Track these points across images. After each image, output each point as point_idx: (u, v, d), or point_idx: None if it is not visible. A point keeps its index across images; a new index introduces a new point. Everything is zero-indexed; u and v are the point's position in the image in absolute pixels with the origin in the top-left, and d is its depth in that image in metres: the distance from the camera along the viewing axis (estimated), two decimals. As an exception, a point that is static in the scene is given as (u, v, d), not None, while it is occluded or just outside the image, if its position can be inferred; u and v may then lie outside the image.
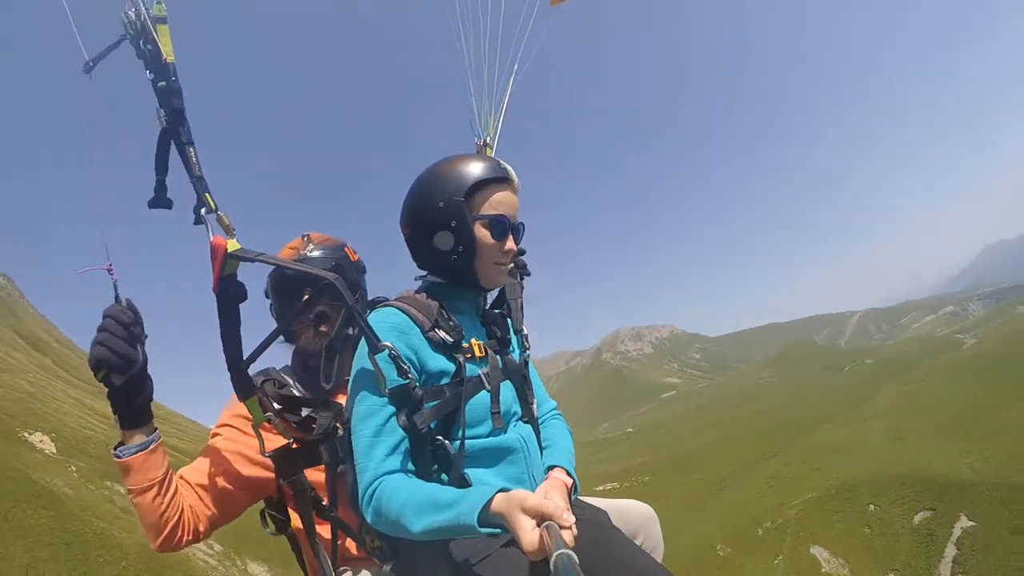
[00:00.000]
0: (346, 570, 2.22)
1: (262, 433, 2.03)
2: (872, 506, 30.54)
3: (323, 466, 2.19)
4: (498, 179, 1.95)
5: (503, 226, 1.95)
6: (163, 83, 1.81)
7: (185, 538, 1.98)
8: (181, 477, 2.05)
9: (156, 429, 1.90)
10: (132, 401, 1.80)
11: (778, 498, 35.64)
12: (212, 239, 1.80)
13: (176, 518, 1.92)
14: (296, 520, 2.22)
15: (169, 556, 14.56)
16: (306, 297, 2.20)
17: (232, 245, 1.80)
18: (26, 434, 22.95)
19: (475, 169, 1.93)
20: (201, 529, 2.05)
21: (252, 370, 2.00)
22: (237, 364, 1.91)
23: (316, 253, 2.47)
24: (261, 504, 2.27)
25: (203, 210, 1.83)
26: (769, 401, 75.23)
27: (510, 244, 1.98)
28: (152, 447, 1.85)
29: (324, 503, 2.17)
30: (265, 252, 1.89)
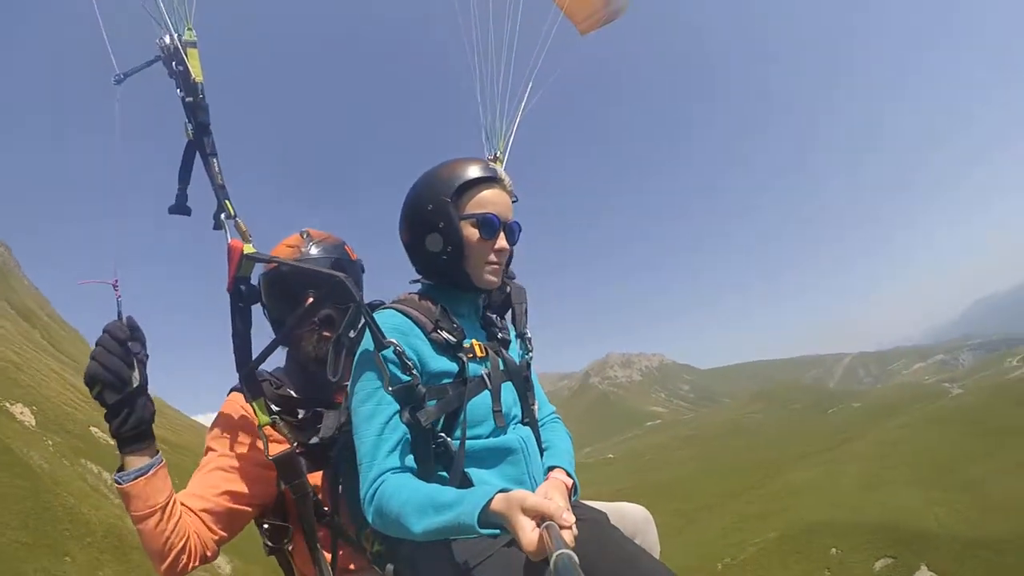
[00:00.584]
0: (346, 572, 2.21)
1: (267, 435, 2.03)
2: (834, 550, 30.37)
3: (323, 471, 2.19)
4: (486, 179, 1.99)
5: (491, 224, 1.96)
6: (191, 99, 1.96)
7: (192, 564, 1.92)
8: (182, 504, 1.96)
9: (158, 452, 1.85)
10: (126, 422, 1.75)
11: (742, 535, 35.47)
12: (230, 242, 1.90)
13: (181, 544, 1.85)
14: (295, 527, 2.19)
15: (134, 536, 14.14)
16: (311, 300, 2.11)
17: (248, 248, 1.90)
18: (8, 403, 22.97)
19: (462, 170, 1.98)
20: (208, 554, 2.00)
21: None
22: (246, 364, 1.96)
23: (315, 251, 2.42)
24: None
25: (223, 215, 1.96)
26: (750, 437, 75.01)
27: (500, 243, 2.00)
28: (152, 471, 1.79)
29: (325, 509, 2.15)
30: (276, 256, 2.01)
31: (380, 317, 1.90)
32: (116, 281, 1.77)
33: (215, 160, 2.00)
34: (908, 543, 28.84)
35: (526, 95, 3.03)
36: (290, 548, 2.22)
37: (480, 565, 1.68)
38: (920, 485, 36.25)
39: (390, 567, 1.96)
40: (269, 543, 2.18)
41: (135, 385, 1.74)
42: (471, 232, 1.96)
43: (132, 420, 1.75)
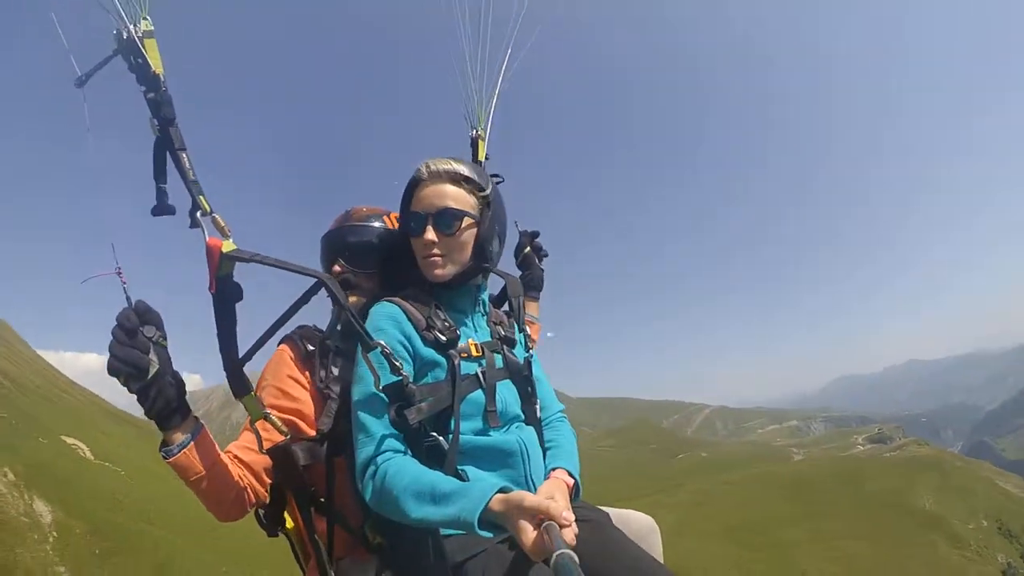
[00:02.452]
0: (343, 558, 2.17)
1: (259, 430, 1.97)
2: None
3: (320, 464, 2.13)
4: (413, 182, 2.11)
5: (411, 222, 2.08)
6: (152, 94, 1.81)
7: (246, 510, 2.03)
8: (235, 456, 2.04)
9: (197, 422, 1.88)
10: (155, 405, 1.75)
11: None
12: (208, 240, 1.77)
13: (232, 496, 1.94)
14: (293, 518, 2.19)
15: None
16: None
17: (228, 246, 1.76)
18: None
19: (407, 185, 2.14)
20: (260, 499, 2.07)
21: (290, 326, 2.04)
22: (233, 362, 1.87)
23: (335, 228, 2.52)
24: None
25: (198, 212, 1.81)
26: (596, 470, 76.99)
27: (426, 235, 2.03)
28: (191, 444, 1.83)
29: (322, 500, 2.12)
30: (259, 252, 1.83)
31: (378, 306, 2.02)
32: (119, 269, 1.74)
33: (184, 154, 1.86)
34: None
35: (503, 68, 2.97)
36: (287, 530, 2.24)
37: (474, 559, 1.67)
38: (726, 540, 38.16)
39: (384, 561, 1.97)
40: (266, 530, 2.21)
41: (154, 370, 1.72)
42: (408, 234, 2.12)
43: (160, 402, 1.75)
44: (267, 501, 2.12)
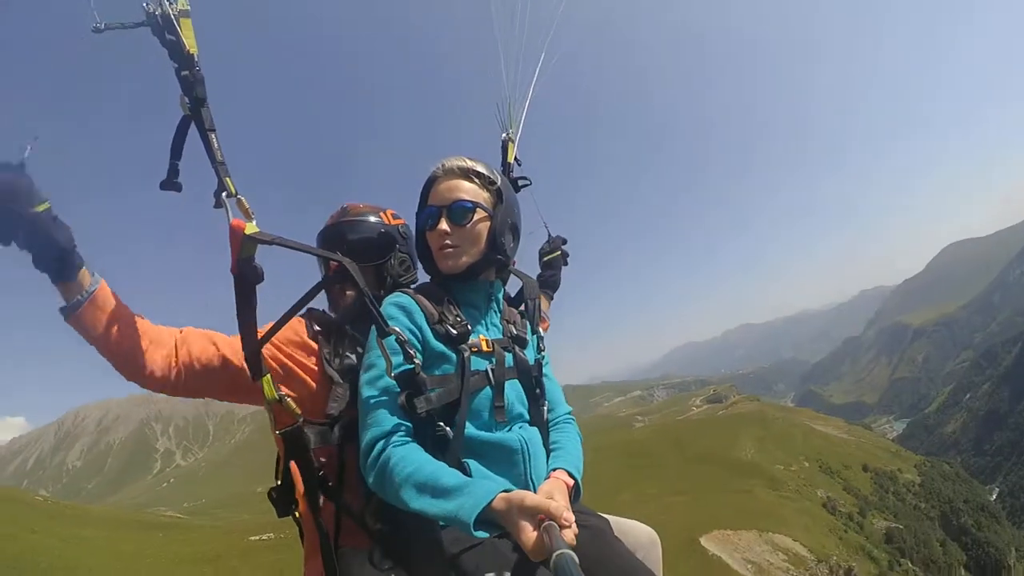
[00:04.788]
0: (346, 546, 2.11)
1: (275, 412, 1.99)
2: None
3: (331, 447, 2.11)
4: (429, 181, 2.17)
5: (430, 215, 2.10)
6: (186, 72, 1.81)
7: (159, 371, 1.93)
8: (198, 332, 2.10)
9: (95, 277, 1.80)
10: (51, 245, 1.64)
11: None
12: (231, 221, 1.77)
13: (128, 346, 1.86)
14: (301, 501, 2.08)
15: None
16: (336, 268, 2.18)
17: (251, 228, 1.77)
18: None
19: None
20: (163, 374, 1.95)
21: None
22: (252, 343, 1.88)
23: (331, 223, 2.55)
24: (263, 485, 2.20)
25: (223, 194, 1.82)
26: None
27: (440, 226, 2.06)
28: (99, 288, 1.79)
29: (330, 484, 2.07)
30: (282, 235, 1.84)
31: (392, 297, 2.04)
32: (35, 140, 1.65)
33: (214, 135, 1.86)
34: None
35: (536, 73, 3.02)
36: (297, 515, 2.16)
37: (470, 551, 1.66)
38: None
39: (383, 549, 1.93)
40: (277, 509, 2.12)
41: (46, 202, 1.63)
42: (424, 229, 2.13)
43: (56, 243, 1.65)
44: (184, 378, 2.02)
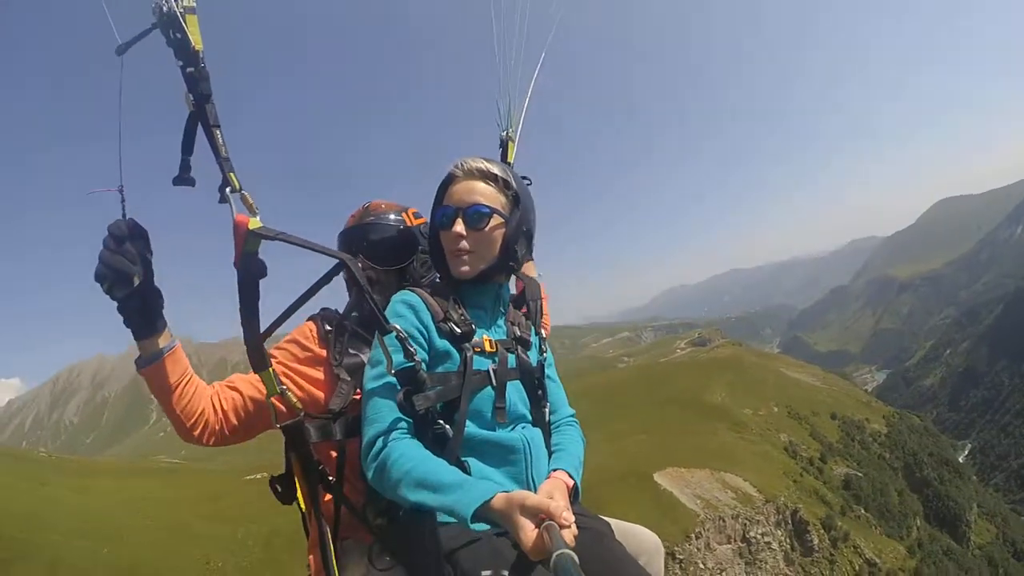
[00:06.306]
0: (347, 538, 2.22)
1: (275, 404, 2.05)
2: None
3: (331, 442, 2.20)
4: (447, 179, 2.15)
5: (445, 215, 2.09)
6: (191, 69, 1.84)
7: (207, 434, 2.08)
8: (225, 384, 2.19)
9: (172, 339, 1.97)
10: (132, 314, 1.87)
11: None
12: (235, 217, 1.81)
13: (195, 419, 2.03)
14: (302, 493, 2.18)
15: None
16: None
17: (254, 223, 1.81)
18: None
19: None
20: (227, 433, 2.15)
21: (313, 310, 2.29)
22: (254, 337, 1.91)
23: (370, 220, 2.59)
24: (267, 472, 2.27)
25: (228, 189, 1.86)
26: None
27: (455, 228, 2.04)
28: (163, 357, 1.94)
29: (331, 479, 2.16)
30: (285, 231, 1.88)
31: (398, 295, 2.06)
32: (121, 187, 1.81)
33: (219, 131, 1.89)
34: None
35: (535, 73, 3.03)
36: (300, 506, 2.21)
37: (467, 547, 1.66)
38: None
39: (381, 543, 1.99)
40: (280, 500, 2.20)
41: (138, 280, 1.81)
42: (439, 227, 2.11)
43: (141, 312, 1.88)
44: (228, 434, 2.16)
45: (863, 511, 57.58)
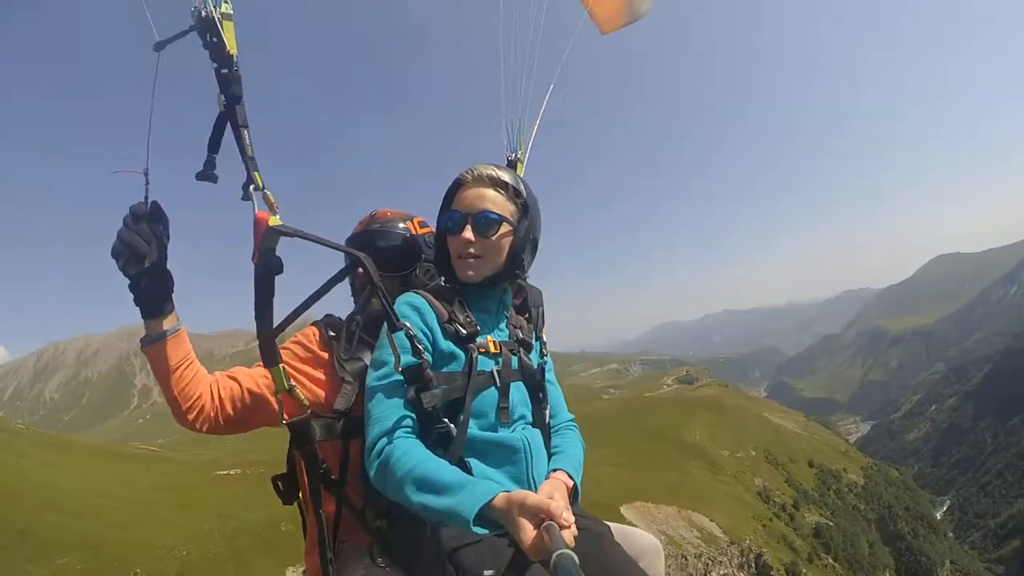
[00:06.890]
0: (345, 542, 2.22)
1: (282, 401, 2.07)
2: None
3: (335, 441, 2.21)
4: (457, 183, 2.15)
5: (453, 219, 2.10)
6: (225, 71, 1.95)
7: (201, 420, 2.09)
8: (227, 374, 2.22)
9: (177, 322, 2.02)
10: (145, 293, 1.92)
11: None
12: (256, 213, 1.88)
13: (191, 402, 2.05)
14: (304, 491, 2.24)
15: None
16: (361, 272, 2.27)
17: (274, 221, 1.87)
18: None
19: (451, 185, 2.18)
20: (221, 422, 2.15)
21: (316, 316, 2.32)
22: (267, 332, 1.96)
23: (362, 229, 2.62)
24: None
25: (251, 187, 1.94)
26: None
27: (464, 234, 2.06)
28: (167, 338, 1.99)
29: (333, 478, 2.17)
30: (303, 229, 1.93)
31: (403, 297, 2.07)
32: (147, 170, 1.87)
33: (246, 132, 1.99)
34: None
35: (547, 97, 3.07)
36: (300, 505, 2.32)
37: (467, 547, 1.69)
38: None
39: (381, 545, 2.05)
40: (282, 498, 2.27)
41: (151, 260, 1.88)
42: (446, 231, 2.14)
43: (150, 292, 1.92)
44: (223, 422, 2.17)
45: (831, 560, 57.65)
